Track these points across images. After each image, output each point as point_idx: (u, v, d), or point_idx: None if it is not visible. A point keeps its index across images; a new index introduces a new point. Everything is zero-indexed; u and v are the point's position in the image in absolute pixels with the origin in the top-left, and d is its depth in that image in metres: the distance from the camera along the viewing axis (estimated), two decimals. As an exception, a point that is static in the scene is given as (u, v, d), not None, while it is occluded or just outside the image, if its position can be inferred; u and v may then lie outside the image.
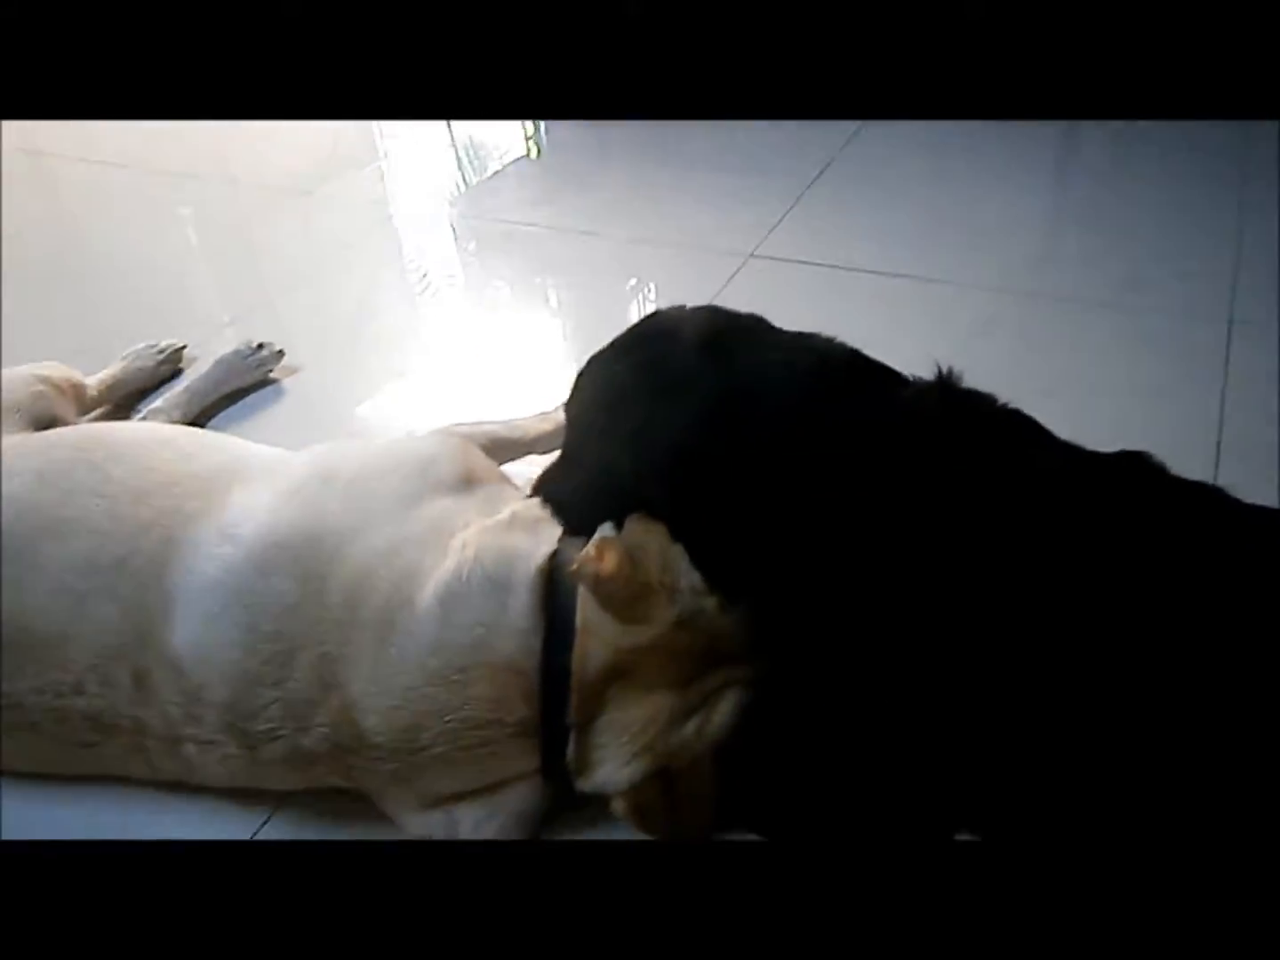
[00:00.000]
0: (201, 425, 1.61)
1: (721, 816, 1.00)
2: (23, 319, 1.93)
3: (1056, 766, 0.91)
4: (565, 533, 1.06)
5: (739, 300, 1.86)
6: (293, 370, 1.77)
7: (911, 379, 1.05)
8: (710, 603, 0.98)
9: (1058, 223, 2.20)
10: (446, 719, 0.96)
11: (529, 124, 2.63)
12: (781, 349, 1.05)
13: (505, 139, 2.59)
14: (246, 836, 1.07)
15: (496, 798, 1.01)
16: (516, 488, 1.20)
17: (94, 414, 1.58)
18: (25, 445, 1.18)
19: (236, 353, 1.70)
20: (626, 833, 1.00)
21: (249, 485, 1.09)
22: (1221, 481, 1.03)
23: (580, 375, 1.13)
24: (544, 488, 1.16)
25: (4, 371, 1.39)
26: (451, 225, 2.29)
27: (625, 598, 0.96)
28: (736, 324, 1.10)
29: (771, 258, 2.00)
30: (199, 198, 2.42)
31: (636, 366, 1.04)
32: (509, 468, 1.30)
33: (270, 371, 1.74)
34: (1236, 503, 0.97)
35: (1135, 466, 0.97)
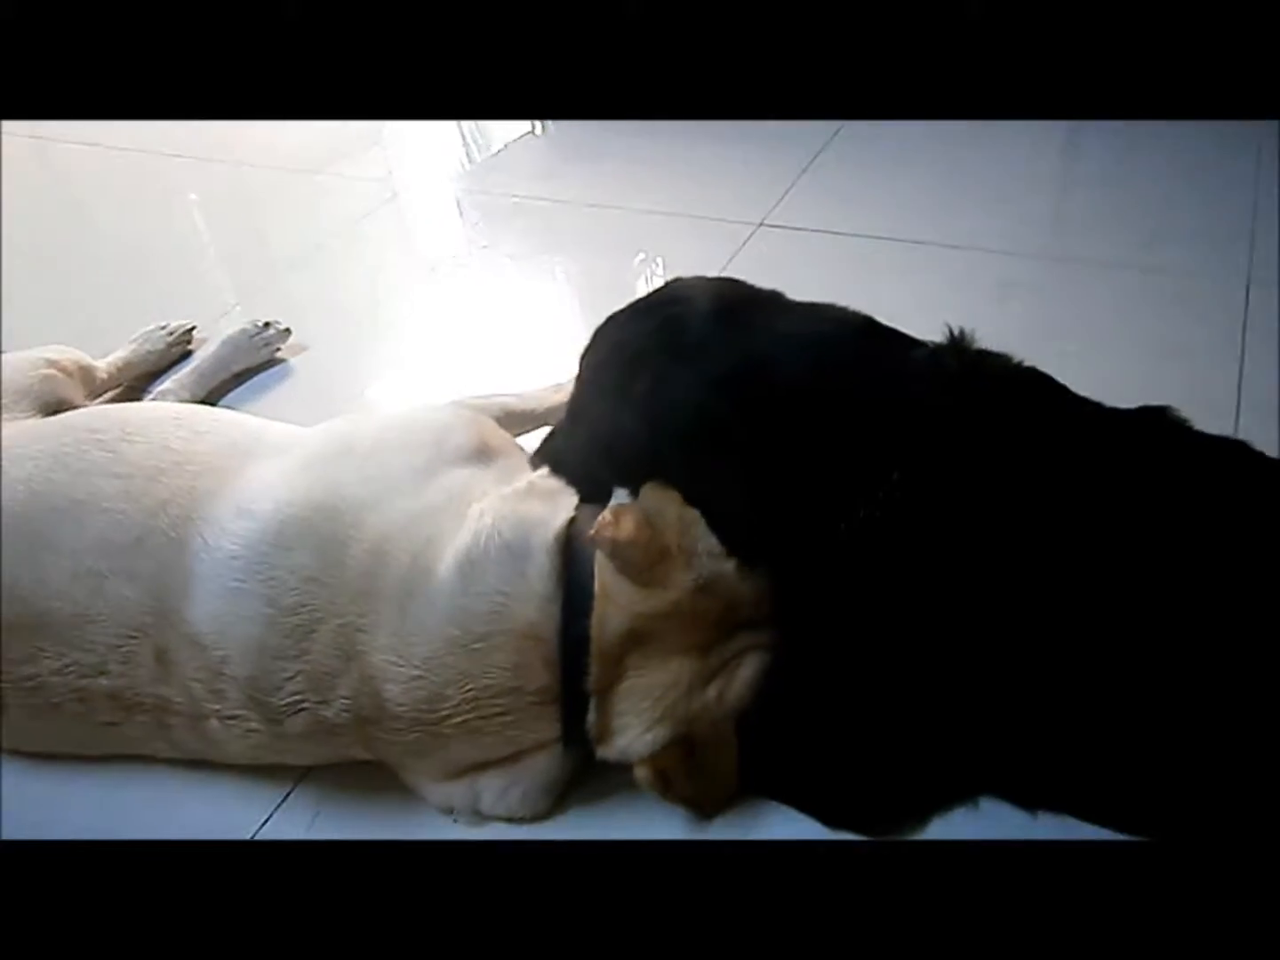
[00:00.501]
0: (211, 405, 1.61)
1: (742, 782, 0.99)
2: (32, 303, 1.93)
3: (1079, 728, 0.90)
4: (581, 500, 1.05)
5: (750, 270, 1.84)
6: (301, 349, 1.76)
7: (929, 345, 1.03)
8: (729, 566, 0.98)
9: (1073, 184, 2.17)
10: (467, 688, 0.96)
11: (534, 98, 2.60)
12: (798, 316, 1.04)
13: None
14: (260, 818, 1.07)
15: (518, 767, 1.02)
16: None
17: (105, 396, 1.58)
18: (37, 429, 1.19)
19: (243, 332, 1.70)
20: (629, 829, 1.00)
21: (263, 461, 1.09)
22: (1240, 437, 1.02)
23: (596, 335, 1.12)
24: (550, 450, 1.15)
25: (13, 355, 1.39)
26: (458, 201, 2.27)
27: (643, 563, 0.96)
28: (755, 293, 1.09)
29: (782, 226, 1.98)
30: (206, 179, 2.41)
31: (657, 329, 1.03)
32: (523, 440, 1.29)
33: (278, 350, 1.73)
34: (1260, 456, 0.96)
35: (1158, 421, 0.96)
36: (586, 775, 1.04)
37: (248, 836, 1.06)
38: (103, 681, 1.03)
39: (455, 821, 1.04)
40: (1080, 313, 1.69)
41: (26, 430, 1.18)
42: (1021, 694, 0.91)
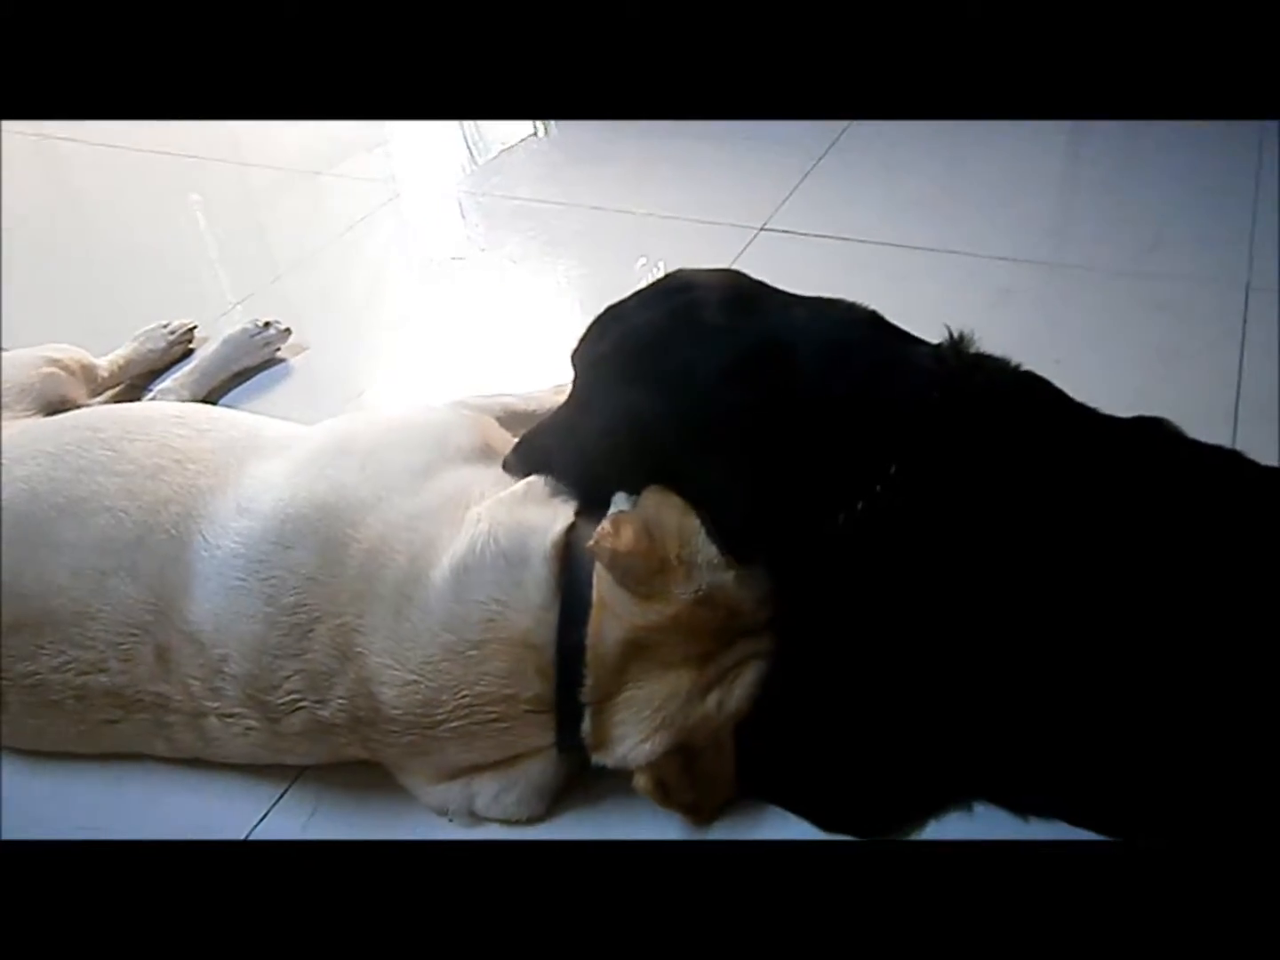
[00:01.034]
0: (211, 404, 1.61)
1: (739, 785, 0.99)
2: (34, 301, 1.93)
3: (1072, 733, 0.90)
4: (579, 504, 1.04)
5: (751, 273, 1.86)
6: (301, 349, 1.77)
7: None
8: (728, 576, 0.96)
9: (1072, 190, 2.17)
10: (461, 694, 0.96)
11: (536, 100, 2.61)
12: (806, 307, 1.03)
13: (513, 116, 2.57)
14: (256, 817, 1.08)
15: (513, 771, 1.02)
16: None
17: (106, 394, 1.59)
18: (38, 427, 1.19)
19: (244, 331, 1.70)
20: (624, 829, 1.00)
21: (264, 459, 1.09)
22: (1239, 446, 1.02)
23: (594, 329, 1.08)
24: (537, 452, 1.10)
25: (15, 353, 1.39)
26: (459, 203, 2.27)
27: (643, 574, 0.94)
28: (758, 284, 1.08)
29: (783, 231, 1.98)
30: (208, 179, 2.41)
31: (667, 319, 1.00)
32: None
33: (278, 350, 1.74)
34: (1255, 465, 0.96)
35: (1153, 430, 0.96)
36: (582, 776, 1.04)
37: (243, 836, 1.06)
38: (102, 679, 1.03)
39: (451, 822, 1.04)
40: (1079, 318, 1.69)
41: (28, 429, 1.19)
42: (1015, 697, 0.91)
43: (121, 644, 1.02)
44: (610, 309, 1.07)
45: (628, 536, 0.94)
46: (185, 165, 2.46)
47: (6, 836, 1.05)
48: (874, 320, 1.02)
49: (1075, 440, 0.95)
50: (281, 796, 1.09)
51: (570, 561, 0.99)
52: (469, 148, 2.49)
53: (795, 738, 0.99)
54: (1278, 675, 0.85)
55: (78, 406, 1.34)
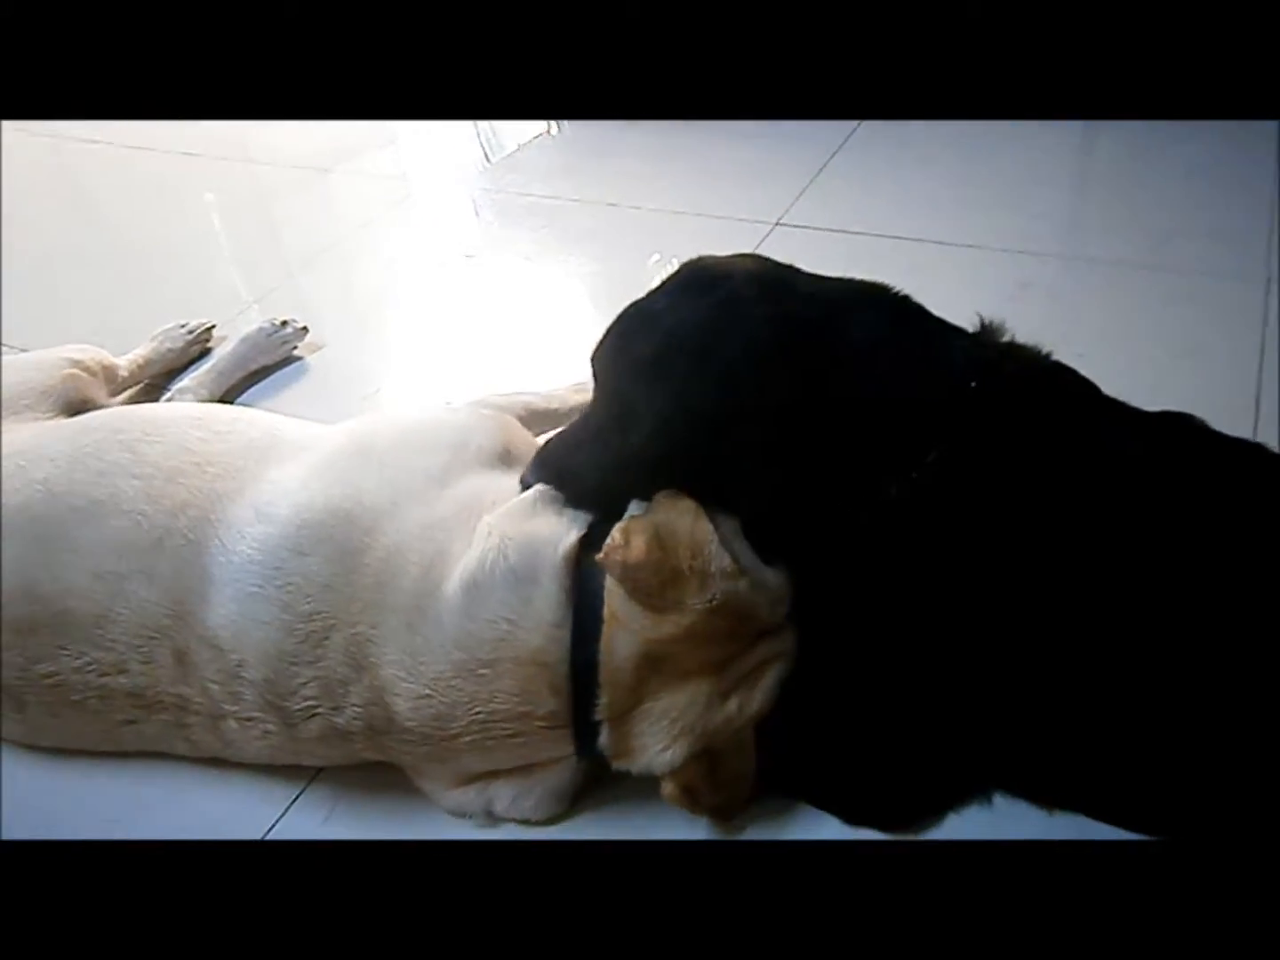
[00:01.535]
0: (229, 403, 1.62)
1: (762, 780, 0.99)
2: (52, 302, 1.94)
3: (1099, 725, 0.90)
4: (597, 514, 1.02)
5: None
6: (317, 347, 1.77)
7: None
8: (744, 583, 0.93)
9: (1089, 183, 2.15)
10: (475, 710, 0.95)
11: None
12: (839, 290, 1.00)
13: (526, 113, 2.57)
14: (274, 816, 1.08)
15: (531, 777, 1.01)
16: None
17: (125, 394, 1.60)
18: (58, 429, 1.20)
19: (261, 330, 1.71)
20: (643, 828, 1.00)
21: (282, 462, 1.09)
22: (1260, 439, 1.02)
23: (620, 332, 1.02)
24: (557, 460, 1.06)
25: (37, 354, 1.40)
26: (473, 201, 2.27)
27: (655, 586, 0.92)
28: (784, 268, 1.04)
29: (798, 226, 1.97)
30: (221, 179, 2.42)
31: (697, 315, 0.96)
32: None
33: (295, 348, 1.74)
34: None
35: (1183, 425, 0.96)
36: (602, 775, 1.04)
37: (261, 834, 1.06)
38: (122, 680, 1.03)
39: (471, 820, 1.04)
40: (1097, 313, 1.68)
41: (48, 430, 1.19)
42: (1041, 688, 0.91)
43: (141, 646, 1.02)
44: (633, 308, 1.03)
45: (638, 547, 0.91)
46: (200, 165, 2.48)
47: (22, 835, 1.05)
48: (908, 305, 1.00)
49: (1108, 431, 0.94)
50: (299, 795, 1.09)
51: (582, 576, 0.97)
52: (482, 145, 2.50)
53: (819, 731, 0.98)
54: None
55: (98, 407, 1.35)
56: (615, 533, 0.94)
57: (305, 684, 0.98)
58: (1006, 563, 0.90)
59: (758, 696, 0.95)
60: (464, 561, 0.98)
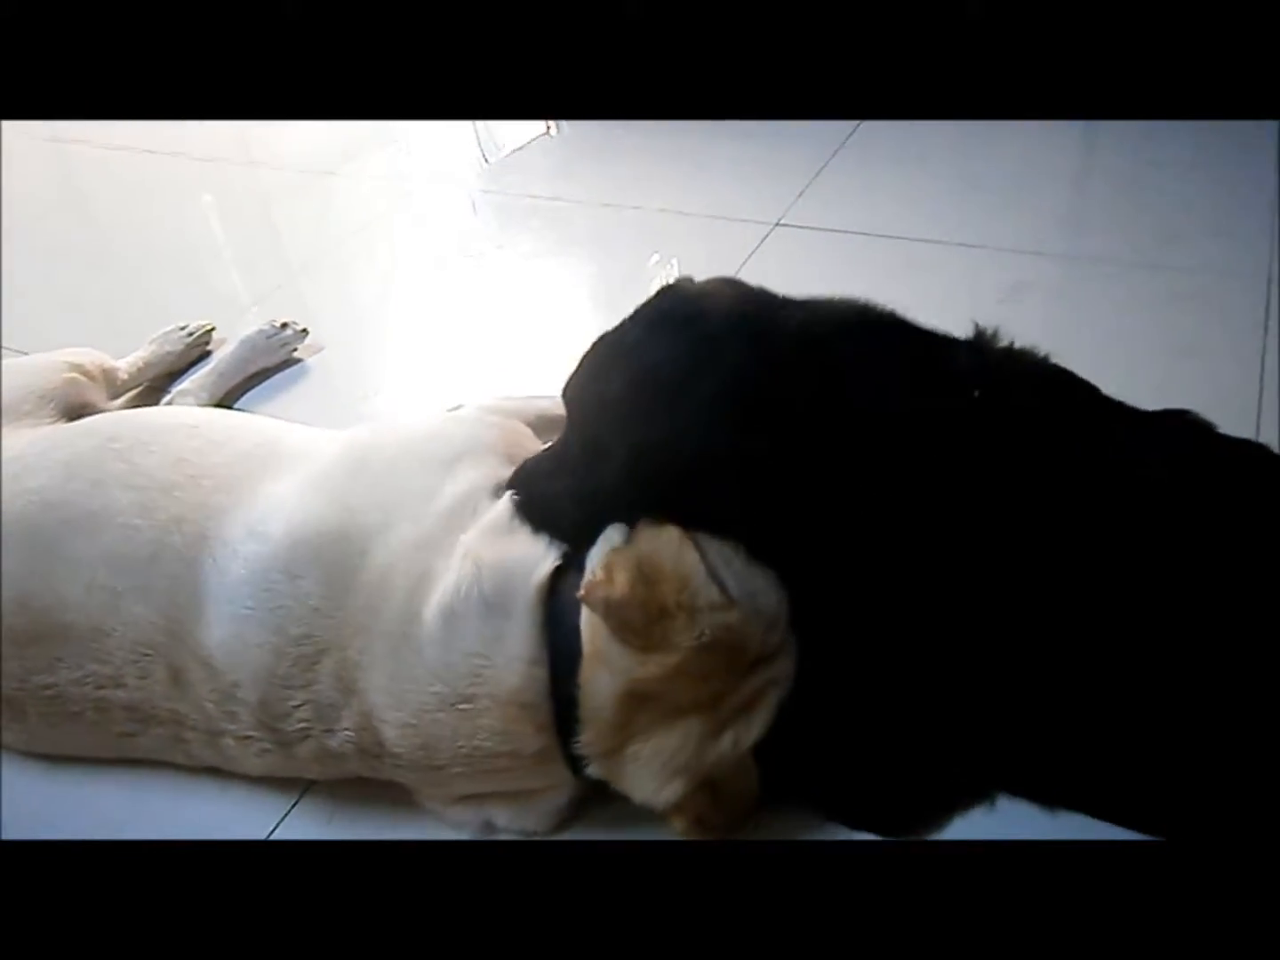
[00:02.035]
0: (229, 406, 1.62)
1: (764, 787, 0.98)
2: (53, 305, 1.94)
3: (1102, 725, 0.90)
4: (573, 540, 0.97)
5: (766, 269, 1.86)
6: (317, 349, 1.77)
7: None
8: (734, 615, 0.88)
9: (1089, 182, 2.15)
10: (459, 744, 0.93)
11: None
12: (825, 312, 0.98)
13: (525, 113, 2.57)
14: (277, 818, 1.08)
15: (531, 796, 0.99)
16: None
17: (125, 397, 1.59)
18: (54, 437, 1.18)
19: (261, 333, 1.71)
20: (645, 829, 0.98)
21: (279, 474, 1.07)
22: (1262, 439, 1.01)
23: (597, 360, 1.00)
24: (532, 490, 1.02)
25: (36, 358, 1.40)
26: (472, 202, 2.27)
27: (640, 624, 0.87)
28: (762, 294, 1.02)
29: (798, 226, 1.97)
30: (221, 181, 2.42)
31: (677, 350, 0.93)
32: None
33: (295, 351, 1.74)
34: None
35: (1185, 424, 0.95)
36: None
37: (263, 836, 1.06)
38: (120, 694, 1.02)
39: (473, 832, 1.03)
40: (1097, 312, 1.67)
41: (45, 437, 1.18)
42: (1042, 689, 0.90)
43: (136, 661, 1.01)
44: (607, 340, 1.00)
45: (621, 583, 0.86)
46: (198, 167, 2.48)
47: (23, 837, 1.05)
48: (896, 321, 0.99)
49: (1111, 435, 0.94)
50: (301, 798, 1.09)
51: (557, 607, 0.93)
52: (480, 146, 2.49)
53: (820, 737, 0.98)
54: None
55: (98, 411, 1.34)
56: (598, 568, 0.89)
57: (299, 707, 0.97)
58: (1013, 566, 0.90)
59: (754, 727, 0.90)
60: (442, 586, 0.94)
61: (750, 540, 0.93)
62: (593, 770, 0.92)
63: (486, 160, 2.42)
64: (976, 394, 0.92)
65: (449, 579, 0.94)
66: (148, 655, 1.00)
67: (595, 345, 1.00)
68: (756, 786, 0.96)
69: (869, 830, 0.98)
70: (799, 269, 1.85)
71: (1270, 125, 2.08)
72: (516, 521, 0.99)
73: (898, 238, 1.90)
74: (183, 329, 1.74)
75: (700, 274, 1.44)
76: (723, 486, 0.91)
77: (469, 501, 1.02)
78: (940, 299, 1.73)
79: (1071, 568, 0.89)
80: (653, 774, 0.89)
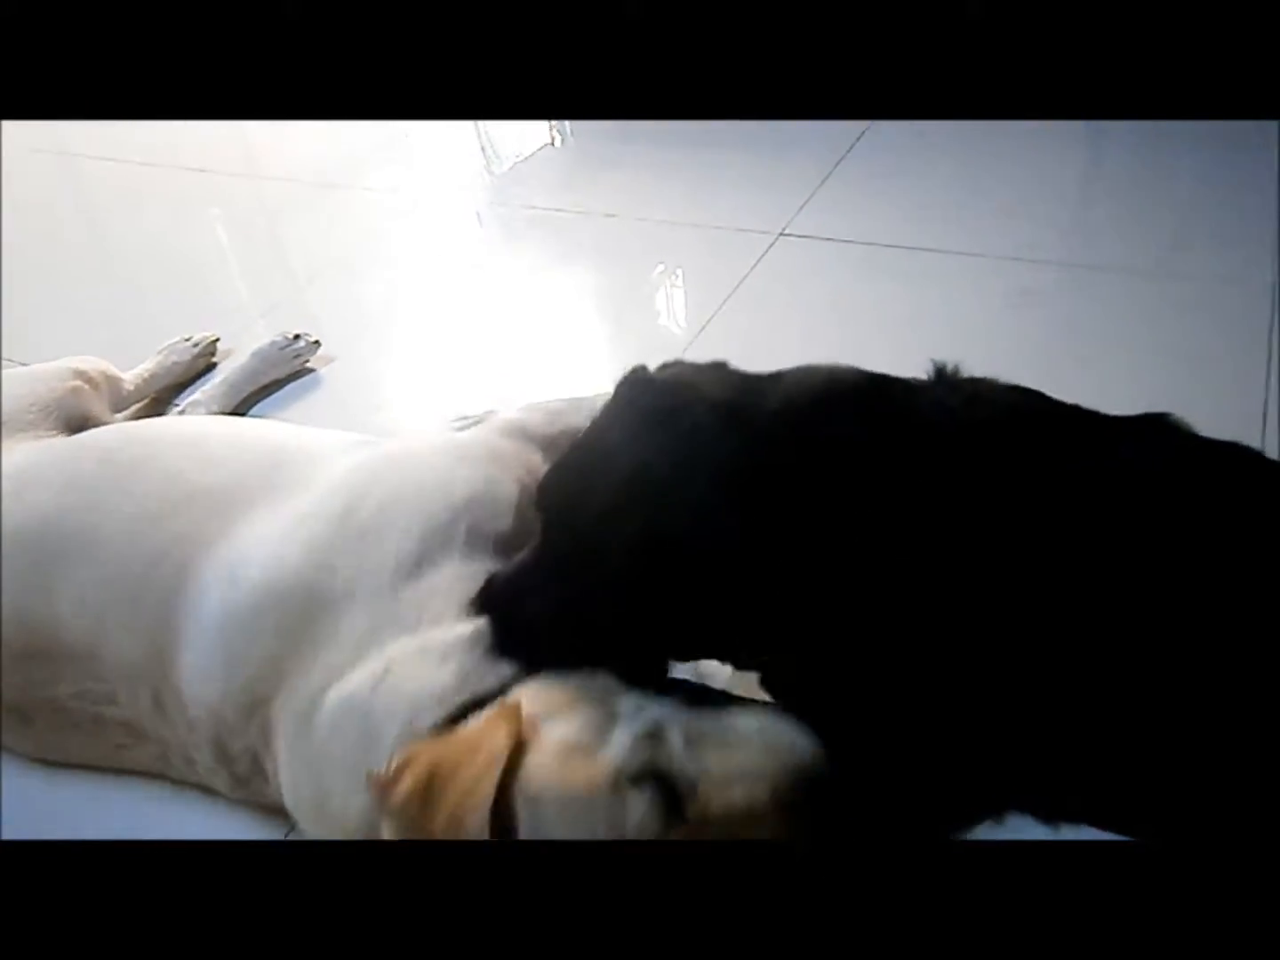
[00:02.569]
0: (240, 415, 1.62)
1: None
2: (58, 316, 1.95)
3: (1099, 739, 0.90)
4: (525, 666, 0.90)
5: (770, 280, 1.86)
6: (328, 360, 1.78)
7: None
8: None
9: (1094, 190, 2.15)
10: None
11: (553, 109, 2.62)
12: (790, 386, 0.94)
13: (529, 126, 2.58)
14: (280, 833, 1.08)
15: None
16: None
17: (131, 409, 1.60)
18: (52, 451, 1.18)
19: (273, 344, 1.71)
20: None
21: (274, 501, 1.04)
22: (1268, 448, 1.01)
23: (568, 465, 0.95)
24: (508, 599, 0.95)
25: (40, 367, 1.40)
26: (477, 213, 2.28)
27: (412, 830, 0.80)
28: (730, 373, 0.97)
29: (802, 236, 1.98)
30: (228, 193, 2.44)
31: (657, 437, 0.90)
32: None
33: (307, 362, 1.75)
34: (1263, 459, 0.95)
35: (1157, 428, 0.95)
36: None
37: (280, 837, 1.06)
38: (114, 710, 1.03)
39: None
40: (1103, 320, 1.67)
41: (43, 450, 1.18)
42: (1041, 705, 0.90)
43: (126, 683, 1.01)
44: (583, 445, 0.95)
45: (404, 790, 0.79)
46: (204, 180, 2.49)
47: (22, 836, 1.06)
48: (866, 384, 0.96)
49: (1090, 444, 0.93)
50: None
51: None
52: (485, 157, 2.51)
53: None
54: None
55: (101, 423, 1.34)
56: (394, 759, 0.82)
57: (240, 754, 0.97)
58: (1004, 595, 0.90)
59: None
60: (353, 678, 0.90)
61: (760, 621, 0.92)
62: None
63: (491, 172, 2.44)
64: (948, 433, 0.91)
65: (358, 678, 0.90)
66: (135, 679, 1.01)
67: (570, 452, 0.96)
68: None
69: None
70: (803, 279, 1.86)
71: (1274, 133, 2.08)
72: (462, 649, 0.92)
73: (902, 247, 1.91)
74: (188, 340, 1.75)
75: (705, 285, 1.45)
76: (731, 576, 0.89)
77: (430, 602, 0.95)
78: (944, 307, 1.74)
79: (1057, 581, 0.89)
80: None
